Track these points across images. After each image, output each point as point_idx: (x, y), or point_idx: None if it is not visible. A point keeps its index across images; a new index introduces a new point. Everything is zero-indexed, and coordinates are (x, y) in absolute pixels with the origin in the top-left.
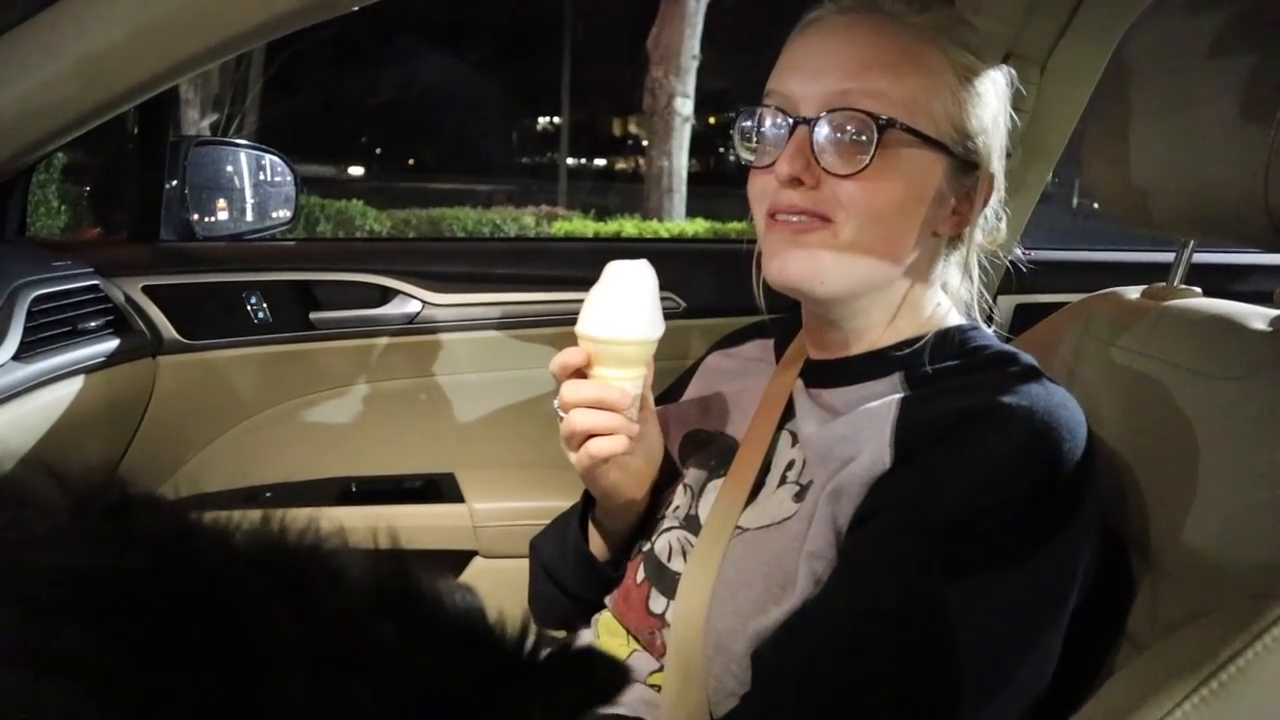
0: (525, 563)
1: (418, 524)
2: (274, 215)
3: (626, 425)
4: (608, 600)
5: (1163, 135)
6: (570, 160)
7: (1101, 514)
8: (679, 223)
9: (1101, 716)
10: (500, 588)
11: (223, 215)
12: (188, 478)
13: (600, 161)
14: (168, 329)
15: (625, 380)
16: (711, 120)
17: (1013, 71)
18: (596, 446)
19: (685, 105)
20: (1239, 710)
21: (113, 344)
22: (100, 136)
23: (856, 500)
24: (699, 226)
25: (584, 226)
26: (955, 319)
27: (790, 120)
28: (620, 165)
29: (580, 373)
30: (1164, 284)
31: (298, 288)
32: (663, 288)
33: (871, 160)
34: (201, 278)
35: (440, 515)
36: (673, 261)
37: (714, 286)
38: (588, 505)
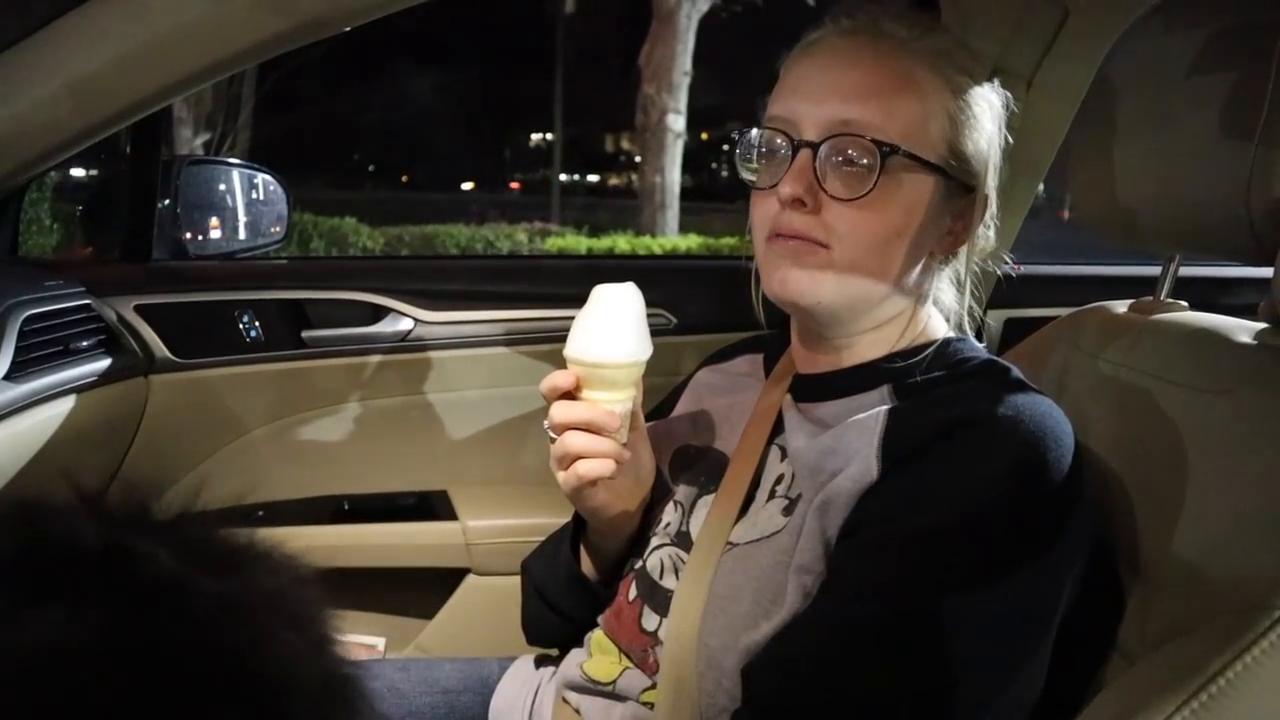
0: (518, 580)
1: (410, 542)
2: (266, 233)
3: (615, 449)
4: (600, 619)
5: (1147, 151)
6: (563, 176)
7: (1090, 524)
8: (672, 238)
9: None
10: (493, 605)
11: (215, 234)
12: (180, 498)
13: (593, 177)
14: (160, 348)
15: (614, 402)
16: (704, 136)
17: (1008, 94)
18: (584, 468)
19: (677, 121)
20: None
21: (105, 363)
22: (92, 156)
23: (845, 512)
24: (692, 242)
25: (577, 242)
26: (944, 331)
27: (793, 142)
28: (613, 181)
29: (570, 395)
30: (1151, 298)
31: (290, 306)
32: (654, 304)
33: (874, 186)
34: (194, 296)
35: (433, 533)
36: (664, 278)
37: (706, 303)
38: (579, 525)
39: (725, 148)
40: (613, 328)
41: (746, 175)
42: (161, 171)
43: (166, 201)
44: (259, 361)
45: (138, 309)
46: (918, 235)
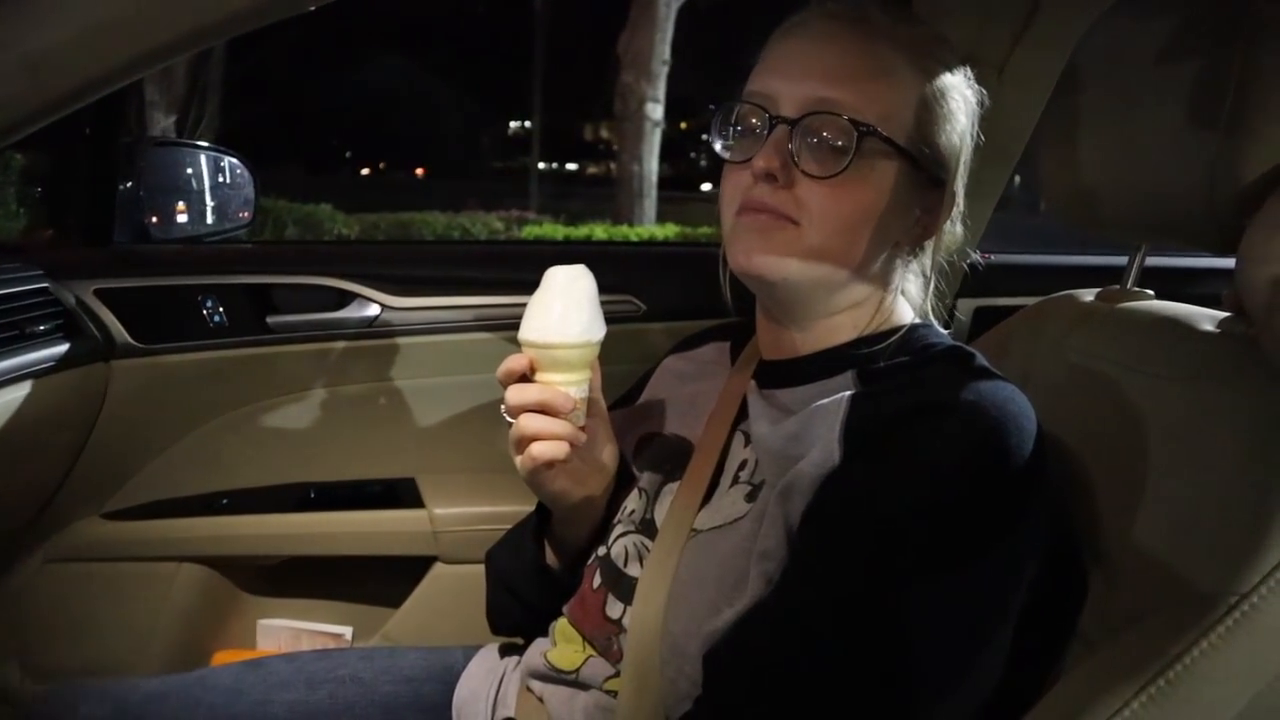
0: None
1: (377, 530)
2: (232, 218)
3: (570, 431)
4: (565, 607)
5: (1113, 139)
6: (541, 164)
7: (1052, 511)
8: (649, 227)
9: (1053, 716)
10: (460, 593)
11: (180, 218)
12: (143, 485)
13: (571, 166)
14: (120, 333)
15: (569, 385)
16: (683, 125)
17: (983, 91)
18: (538, 450)
19: (655, 110)
20: (1186, 708)
21: (63, 348)
22: (55, 136)
23: (807, 498)
24: (669, 231)
25: (554, 231)
26: (910, 318)
27: (770, 118)
28: (591, 170)
29: (525, 378)
30: (1118, 287)
31: (254, 291)
32: (624, 291)
33: (848, 166)
34: (156, 281)
35: (400, 521)
36: (635, 264)
37: (675, 290)
38: (542, 515)
39: (706, 135)
40: (563, 309)
41: (720, 149)
42: (124, 153)
43: (129, 184)
44: (223, 347)
45: (98, 293)
46: (885, 222)
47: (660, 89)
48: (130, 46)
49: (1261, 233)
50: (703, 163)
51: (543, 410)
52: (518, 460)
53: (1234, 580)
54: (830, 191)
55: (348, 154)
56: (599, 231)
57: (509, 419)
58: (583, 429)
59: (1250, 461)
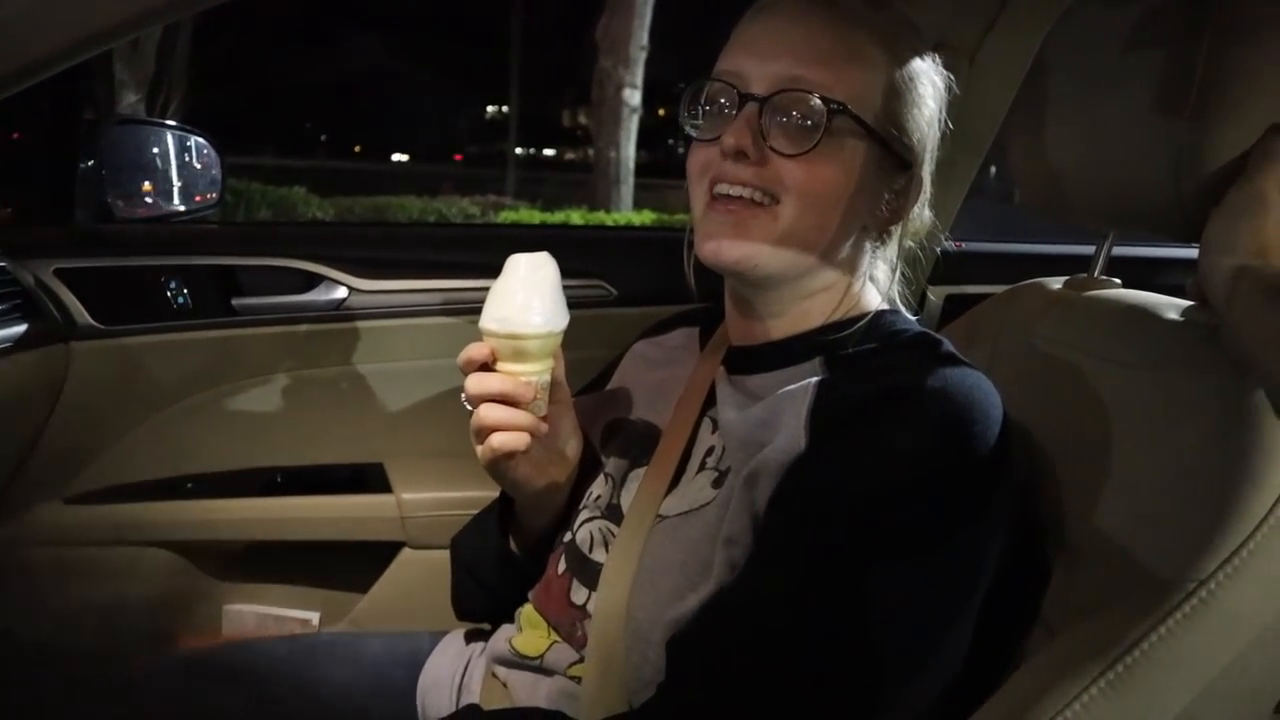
0: None
1: (345, 515)
2: (198, 198)
3: (531, 421)
4: (530, 593)
5: (1080, 127)
6: (518, 150)
7: (1016, 498)
8: (626, 214)
9: (1013, 701)
10: (428, 579)
11: (147, 198)
12: (105, 469)
13: (549, 151)
14: (81, 314)
15: (530, 374)
16: (661, 112)
17: (951, 77)
18: (498, 441)
19: (633, 96)
20: (1144, 692)
21: (20, 329)
22: (13, 113)
23: (773, 483)
24: (646, 218)
25: (530, 216)
26: (877, 305)
27: (740, 95)
28: (569, 155)
29: (486, 367)
30: (1085, 275)
31: (219, 273)
32: (594, 275)
33: (818, 143)
34: (118, 261)
35: (367, 506)
36: (606, 248)
37: (647, 274)
38: (506, 502)
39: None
40: (525, 298)
41: (689, 129)
42: (85, 131)
43: (90, 162)
44: (187, 329)
45: (57, 273)
46: (854, 203)
47: (638, 75)
48: (93, 19)
49: (1223, 222)
50: (680, 150)
51: (503, 400)
52: (478, 450)
53: (1193, 566)
54: (800, 169)
55: (322, 137)
56: (575, 217)
57: (469, 408)
58: (544, 418)
59: (1211, 449)
